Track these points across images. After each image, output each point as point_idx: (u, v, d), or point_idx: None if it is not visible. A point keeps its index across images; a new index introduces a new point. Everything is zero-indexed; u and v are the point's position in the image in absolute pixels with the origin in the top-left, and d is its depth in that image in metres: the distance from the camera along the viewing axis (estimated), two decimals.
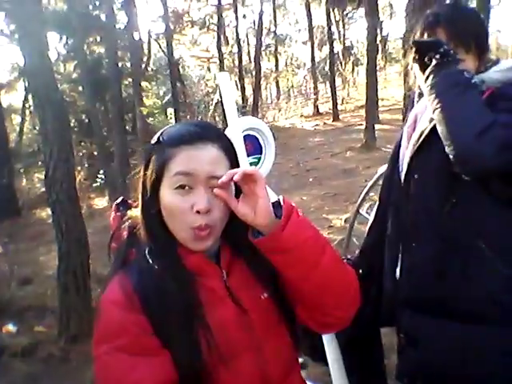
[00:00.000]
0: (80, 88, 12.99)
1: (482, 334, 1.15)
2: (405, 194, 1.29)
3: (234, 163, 0.88)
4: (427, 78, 1.17)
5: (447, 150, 1.10)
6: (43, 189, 10.33)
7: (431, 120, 1.19)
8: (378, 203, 1.57)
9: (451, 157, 1.10)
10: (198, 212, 0.81)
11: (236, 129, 1.55)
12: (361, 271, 1.49)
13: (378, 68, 14.33)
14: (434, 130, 1.17)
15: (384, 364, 1.62)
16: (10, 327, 3.83)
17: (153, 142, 0.87)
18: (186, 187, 0.82)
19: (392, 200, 1.38)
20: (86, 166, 14.37)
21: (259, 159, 1.97)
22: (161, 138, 0.86)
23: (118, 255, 0.89)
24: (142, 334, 0.77)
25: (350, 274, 0.91)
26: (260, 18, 19.21)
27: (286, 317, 0.91)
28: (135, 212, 0.91)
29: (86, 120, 13.63)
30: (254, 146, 1.91)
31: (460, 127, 1.09)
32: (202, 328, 0.80)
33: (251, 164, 1.83)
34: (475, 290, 1.15)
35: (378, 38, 17.19)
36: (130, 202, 0.99)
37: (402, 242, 1.30)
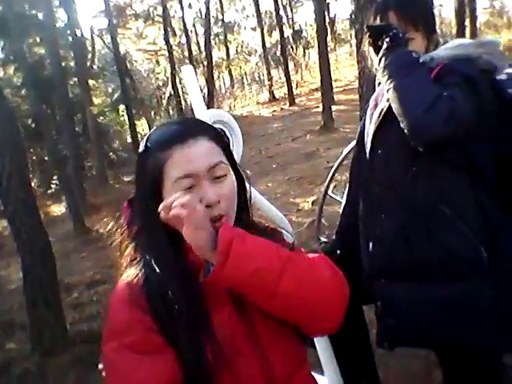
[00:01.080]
0: (23, 92, 12.39)
1: (453, 291, 1.21)
2: (370, 169, 1.36)
3: (227, 149, 0.87)
4: (380, 60, 1.27)
5: (402, 125, 1.20)
6: None
7: (388, 99, 1.26)
8: (348, 184, 1.61)
9: (405, 131, 1.19)
10: (208, 206, 0.80)
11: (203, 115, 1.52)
12: (338, 252, 1.54)
13: (328, 50, 14.47)
14: (391, 108, 1.24)
15: (370, 340, 1.65)
16: None
17: (140, 150, 0.85)
18: (190, 187, 0.81)
19: (361, 179, 1.43)
20: (38, 172, 13.82)
21: None
22: (148, 145, 0.84)
23: (127, 254, 0.88)
24: (147, 332, 0.78)
25: (327, 284, 0.83)
26: (207, 7, 18.91)
27: None
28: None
29: (33, 125, 13.04)
30: None
31: (410, 103, 1.18)
32: (206, 325, 0.80)
33: None
34: (442, 252, 1.21)
35: (327, 20, 17.34)
36: None
37: (371, 215, 1.35)
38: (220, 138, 0.87)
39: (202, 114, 1.54)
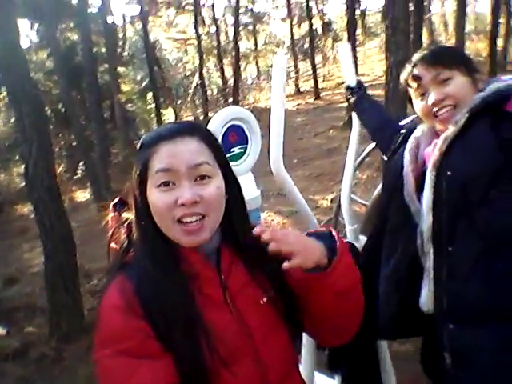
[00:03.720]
0: (55, 77, 12.63)
1: None
2: (437, 194, 1.16)
3: (218, 153, 0.87)
4: None
5: None
6: (23, 183, 10.14)
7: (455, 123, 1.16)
8: (382, 202, 1.42)
9: None
10: (183, 205, 0.80)
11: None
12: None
13: (357, 43, 14.21)
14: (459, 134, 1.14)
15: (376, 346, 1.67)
16: (0, 329, 3.76)
17: (138, 147, 0.88)
18: (170, 184, 0.82)
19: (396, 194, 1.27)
20: (66, 157, 14.09)
21: (245, 149, 1.92)
22: (143, 141, 0.87)
23: (117, 258, 0.88)
24: (144, 339, 0.77)
25: (362, 295, 0.93)
26: None
27: (286, 320, 0.90)
28: (131, 215, 0.90)
29: (63, 110, 13.29)
30: (239, 136, 1.87)
31: None
32: (203, 332, 0.79)
33: (237, 155, 1.80)
34: None
35: (357, 13, 16.99)
36: (127, 201, 0.98)
37: (436, 245, 1.16)
38: (212, 141, 0.88)
39: (220, 113, 1.54)
